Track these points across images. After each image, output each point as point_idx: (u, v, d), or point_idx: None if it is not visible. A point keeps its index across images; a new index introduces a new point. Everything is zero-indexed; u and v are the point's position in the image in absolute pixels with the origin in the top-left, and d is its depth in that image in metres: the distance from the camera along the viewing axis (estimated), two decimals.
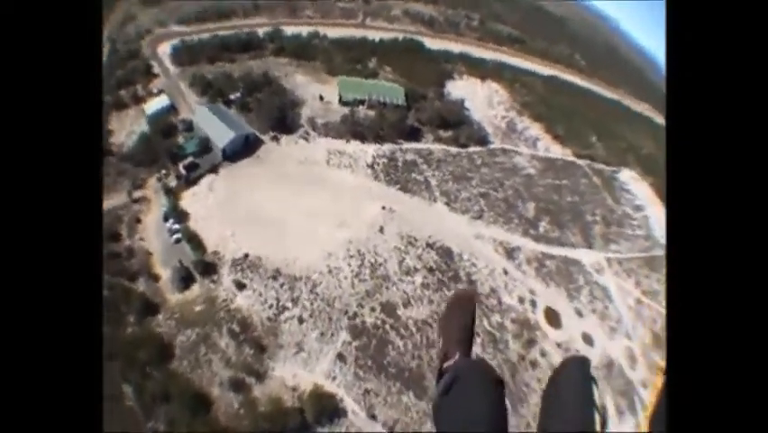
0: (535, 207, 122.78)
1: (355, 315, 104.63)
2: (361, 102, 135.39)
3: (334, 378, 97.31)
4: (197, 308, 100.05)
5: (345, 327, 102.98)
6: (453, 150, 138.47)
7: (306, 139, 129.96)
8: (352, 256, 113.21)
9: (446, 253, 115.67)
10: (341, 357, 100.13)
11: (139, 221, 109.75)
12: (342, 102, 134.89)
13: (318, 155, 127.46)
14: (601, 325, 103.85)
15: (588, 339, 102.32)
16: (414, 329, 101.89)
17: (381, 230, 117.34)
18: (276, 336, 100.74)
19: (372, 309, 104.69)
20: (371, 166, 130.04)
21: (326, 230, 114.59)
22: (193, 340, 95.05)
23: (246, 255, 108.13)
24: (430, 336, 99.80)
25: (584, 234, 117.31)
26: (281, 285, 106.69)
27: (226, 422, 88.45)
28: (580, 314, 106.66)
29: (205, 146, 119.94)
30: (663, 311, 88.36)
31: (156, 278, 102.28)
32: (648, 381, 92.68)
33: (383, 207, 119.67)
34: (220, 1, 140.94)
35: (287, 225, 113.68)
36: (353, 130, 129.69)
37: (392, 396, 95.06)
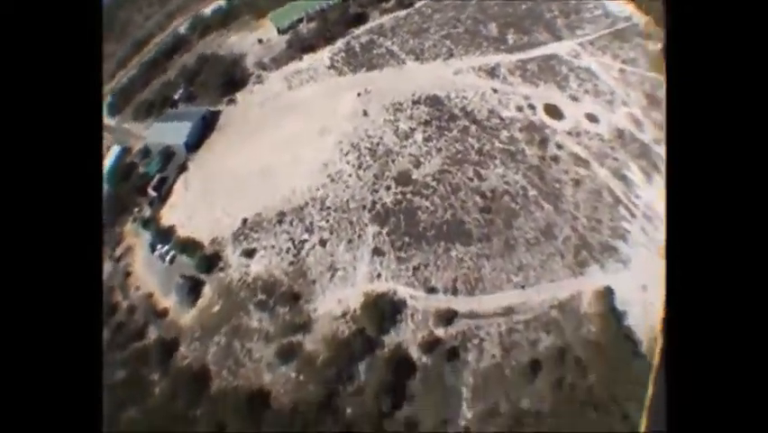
0: (497, 25, 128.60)
1: (374, 203, 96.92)
2: (300, 21, 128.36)
3: (379, 275, 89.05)
4: (216, 309, 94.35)
5: (369, 221, 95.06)
6: (402, 13, 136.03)
7: (261, 81, 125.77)
8: (347, 153, 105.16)
9: (434, 101, 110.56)
10: (377, 252, 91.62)
11: (129, 274, 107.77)
12: (282, 31, 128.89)
13: (277, 87, 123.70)
14: (598, 102, 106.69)
15: (592, 118, 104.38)
16: (434, 183, 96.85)
17: (365, 113, 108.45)
18: (305, 275, 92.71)
19: (388, 188, 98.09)
20: (332, 66, 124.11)
21: (312, 146, 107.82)
22: (224, 343, 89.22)
23: (245, 220, 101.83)
24: (452, 181, 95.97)
25: (550, 31, 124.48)
26: (290, 223, 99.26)
27: (292, 399, 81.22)
28: (575, 99, 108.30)
29: (167, 155, 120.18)
30: (647, 74, 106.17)
31: (164, 313, 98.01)
32: (658, 138, 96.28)
33: (358, 94, 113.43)
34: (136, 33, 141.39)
35: (271, 168, 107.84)
36: (302, 46, 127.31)
37: (441, 258, 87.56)
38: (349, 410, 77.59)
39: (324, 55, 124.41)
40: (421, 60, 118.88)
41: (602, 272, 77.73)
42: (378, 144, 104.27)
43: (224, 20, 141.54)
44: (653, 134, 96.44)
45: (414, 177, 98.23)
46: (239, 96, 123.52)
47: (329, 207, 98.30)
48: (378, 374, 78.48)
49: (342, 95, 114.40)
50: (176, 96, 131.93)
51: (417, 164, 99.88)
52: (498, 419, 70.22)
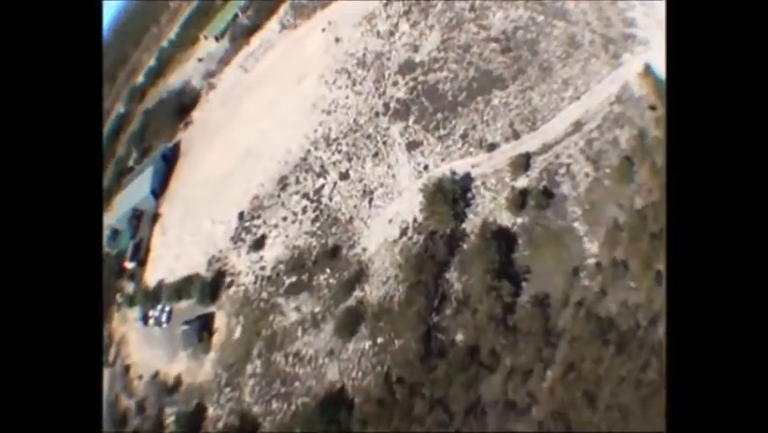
0: None
1: (386, 105, 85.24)
2: (235, 18, 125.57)
3: (426, 167, 75.86)
4: (237, 334, 77.83)
5: (389, 122, 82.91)
6: None
7: (213, 87, 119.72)
8: (334, 81, 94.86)
9: None
10: (412, 146, 78.82)
11: (128, 368, 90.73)
12: (220, 37, 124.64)
13: (232, 79, 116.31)
14: None
15: None
16: (442, 54, 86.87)
17: (337, 40, 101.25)
18: (336, 221, 77.63)
19: (395, 84, 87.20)
20: (283, 27, 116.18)
21: (292, 97, 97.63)
22: (261, 368, 72.74)
23: (241, 214, 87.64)
24: (459, 44, 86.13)
25: None
26: (296, 180, 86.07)
27: (374, 380, 63.82)
28: None
29: (136, 218, 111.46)
30: None
31: (177, 383, 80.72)
32: None
33: (323, 30, 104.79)
34: None
35: (254, 146, 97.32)
36: (247, 32, 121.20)
37: (485, 112, 76.77)
38: (460, 336, 61.63)
39: (271, 25, 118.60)
40: None
41: (634, 57, 74.67)
42: (364, 55, 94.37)
43: (159, 71, 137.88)
44: None
45: (417, 60, 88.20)
46: (194, 114, 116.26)
47: (336, 139, 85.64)
48: (476, 270, 62.67)
49: (305, 41, 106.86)
50: (130, 164, 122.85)
51: (416, 49, 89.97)
52: (622, 234, 61.15)
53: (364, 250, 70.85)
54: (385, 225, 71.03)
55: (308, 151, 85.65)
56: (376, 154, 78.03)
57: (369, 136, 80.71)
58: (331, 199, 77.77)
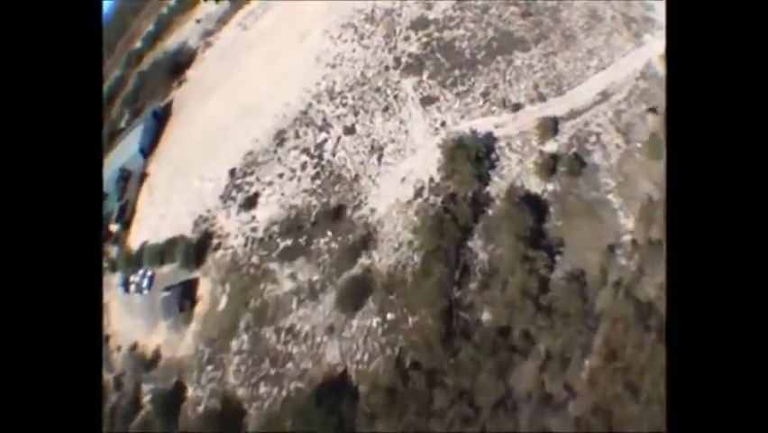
0: None
1: (397, 59, 67.35)
2: None
3: (443, 123, 58.45)
4: (222, 303, 58.57)
5: (401, 76, 64.88)
6: None
7: (210, 45, 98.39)
8: (339, 36, 75.29)
9: None
10: (427, 101, 61.25)
11: (108, 338, 69.58)
12: None
13: (230, 37, 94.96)
14: None
15: None
16: (458, 13, 69.54)
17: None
18: (340, 178, 59.53)
19: (406, 39, 69.36)
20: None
21: (293, 53, 77.54)
22: (248, 343, 53.84)
23: (232, 171, 68.41)
24: (476, 4, 68.88)
25: None
26: (296, 135, 66.94)
27: (388, 361, 46.92)
28: None
29: (124, 179, 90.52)
30: None
31: (155, 357, 60.58)
32: None
33: None
34: None
35: (250, 101, 76.91)
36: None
37: (507, 72, 60.30)
38: (487, 315, 45.28)
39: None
40: None
41: (654, 38, 64.15)
42: (373, 11, 75.73)
43: (157, 35, 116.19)
44: None
45: (431, 17, 70.35)
46: (189, 72, 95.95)
47: (340, 92, 67.06)
48: (505, 238, 47.37)
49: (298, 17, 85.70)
50: (122, 125, 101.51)
51: (429, 6, 72.07)
52: (657, 211, 48.54)
53: (372, 211, 53.33)
54: (397, 185, 53.50)
55: (309, 104, 67.14)
56: (386, 108, 60.35)
57: (378, 90, 62.85)
58: (334, 155, 59.79)
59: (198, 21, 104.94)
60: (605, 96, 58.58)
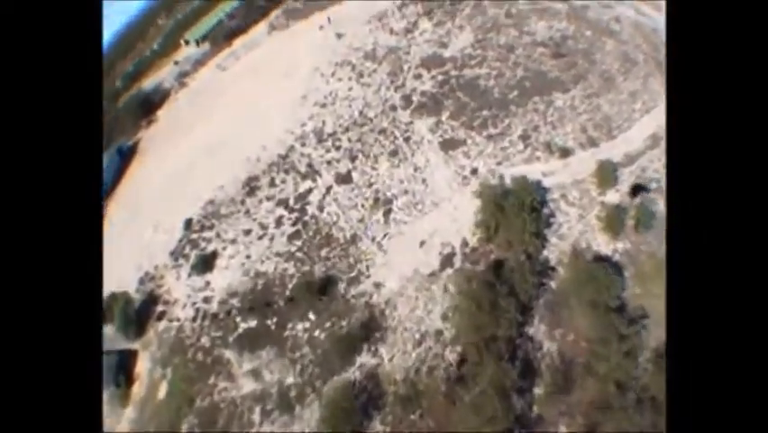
0: None
1: (407, 98, 53.97)
2: (219, 23, 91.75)
3: (474, 171, 44.97)
4: (163, 390, 41.27)
5: (412, 116, 51.48)
6: None
7: (185, 85, 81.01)
8: (333, 74, 61.56)
9: None
10: (449, 144, 47.58)
11: None
12: (200, 42, 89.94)
13: (207, 77, 78.76)
14: None
15: None
16: (479, 52, 57.80)
17: (339, 36, 68.40)
18: (329, 240, 43.99)
19: (418, 77, 56.60)
20: (273, 29, 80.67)
21: (276, 91, 63.24)
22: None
23: (188, 222, 52.14)
24: (499, 43, 57.86)
25: None
26: (270, 183, 50.93)
27: None
28: None
29: None
30: None
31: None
32: None
33: (321, 27, 71.70)
34: None
35: (220, 141, 60.68)
36: (229, 34, 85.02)
37: (548, 113, 48.38)
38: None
39: (259, 29, 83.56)
40: None
41: None
42: (374, 49, 62.59)
43: (135, 76, 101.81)
44: None
45: (447, 55, 57.71)
46: (160, 112, 78.47)
47: (332, 134, 51.91)
48: (580, 319, 33.21)
49: (298, 38, 74.03)
50: None
51: (443, 45, 59.78)
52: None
53: (378, 287, 36.78)
54: (413, 251, 37.53)
55: (291, 147, 51.60)
56: (394, 153, 45.54)
57: (382, 132, 48.29)
58: (322, 209, 43.68)
59: (176, 62, 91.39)
60: (655, 139, 48.92)
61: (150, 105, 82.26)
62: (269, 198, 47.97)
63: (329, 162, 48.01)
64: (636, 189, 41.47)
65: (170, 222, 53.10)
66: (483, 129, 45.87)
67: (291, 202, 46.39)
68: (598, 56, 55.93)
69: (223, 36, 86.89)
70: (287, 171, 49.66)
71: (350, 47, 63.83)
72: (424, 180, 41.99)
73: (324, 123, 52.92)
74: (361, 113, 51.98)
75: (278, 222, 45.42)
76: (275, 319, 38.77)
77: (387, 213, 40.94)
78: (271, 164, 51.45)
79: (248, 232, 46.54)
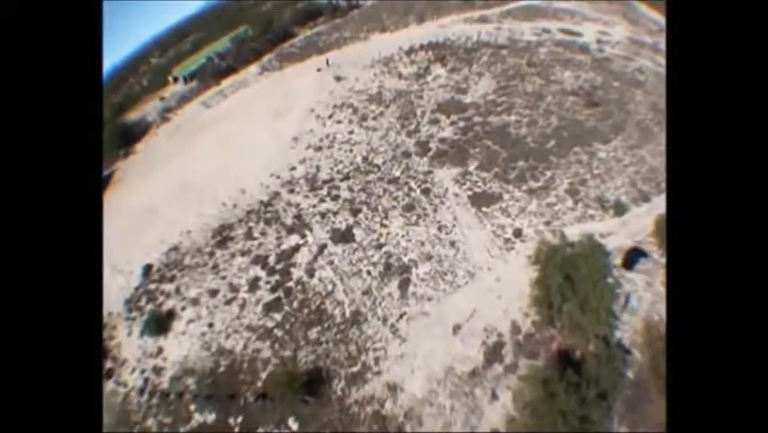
0: None
1: (423, 144, 45.10)
2: (209, 60, 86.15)
3: (518, 232, 34.34)
4: None
5: (431, 165, 42.20)
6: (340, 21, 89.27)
7: (168, 120, 72.04)
8: (330, 116, 53.37)
9: (434, 46, 64.25)
10: (480, 199, 37.57)
11: None
12: (188, 79, 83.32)
13: (190, 113, 70.58)
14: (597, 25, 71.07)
15: (605, 33, 68.41)
16: (504, 99, 50.55)
17: (338, 79, 60.31)
18: (319, 316, 31.77)
19: (434, 122, 48.12)
20: (264, 70, 73.38)
21: (261, 132, 53.91)
22: None
23: (147, 268, 39.59)
24: (526, 90, 51.36)
25: None
26: (247, 234, 39.74)
27: None
28: (578, 24, 70.81)
29: None
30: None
31: None
32: None
33: (318, 69, 64.16)
34: None
35: (194, 181, 50.57)
36: (219, 72, 78.81)
37: (592, 165, 40.49)
38: None
39: (250, 69, 75.53)
40: (390, 31, 74.62)
41: None
42: (380, 93, 54.09)
43: (121, 110, 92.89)
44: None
45: (467, 101, 49.65)
46: (139, 146, 67.90)
47: (329, 181, 41.36)
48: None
49: (291, 80, 65.35)
50: None
51: (461, 90, 51.96)
52: None
53: (392, 389, 24.50)
54: (445, 338, 25.69)
55: (276, 194, 40.82)
56: (410, 208, 35.06)
57: (393, 181, 37.97)
58: (312, 274, 32.07)
59: (162, 98, 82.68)
60: None
61: (130, 137, 73.07)
62: (243, 253, 36.44)
63: (323, 215, 37.15)
64: None
65: (129, 265, 40.58)
66: (521, 182, 36.11)
67: (272, 260, 34.82)
68: (631, 106, 50.64)
69: (211, 75, 79.35)
70: (268, 222, 38.54)
71: (351, 90, 55.30)
72: (453, 244, 31.40)
73: (318, 168, 42.73)
74: (365, 159, 41.85)
75: (253, 285, 33.50)
76: (240, 419, 26.22)
77: (403, 284, 29.65)
78: (250, 212, 40.35)
79: (214, 293, 34.34)
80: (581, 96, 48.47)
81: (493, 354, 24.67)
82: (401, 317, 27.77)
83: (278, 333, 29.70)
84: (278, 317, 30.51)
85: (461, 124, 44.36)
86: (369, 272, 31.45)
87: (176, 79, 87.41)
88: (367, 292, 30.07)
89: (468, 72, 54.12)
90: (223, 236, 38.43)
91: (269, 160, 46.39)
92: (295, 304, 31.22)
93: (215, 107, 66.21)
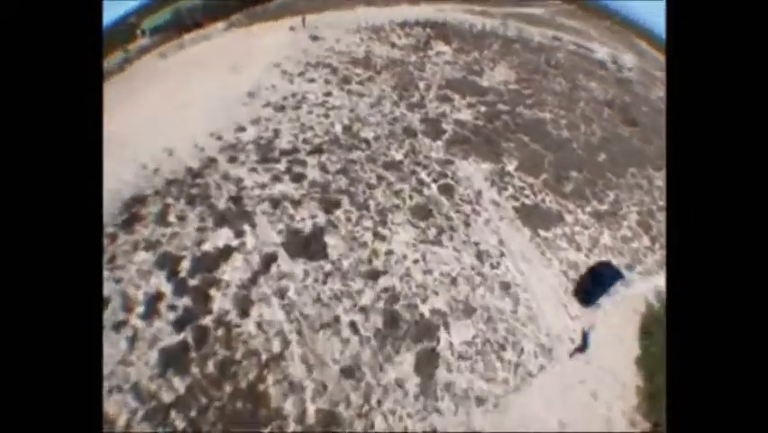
0: None
1: (432, 125, 31.71)
2: (177, 15, 69.76)
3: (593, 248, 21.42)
4: None
5: (455, 155, 27.67)
6: None
7: (122, 70, 54.54)
8: (301, 73, 38.04)
9: (432, 24, 51.61)
10: (530, 216, 23.79)
11: None
12: (151, 33, 65.81)
13: (145, 62, 53.20)
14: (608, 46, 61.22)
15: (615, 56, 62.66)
16: (528, 92, 38.01)
17: (315, 38, 46.89)
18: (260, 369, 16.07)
19: (444, 99, 35.09)
20: (231, 25, 57.65)
21: (214, 84, 37.65)
22: None
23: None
24: (555, 90, 39.81)
25: None
26: (162, 213, 22.09)
27: None
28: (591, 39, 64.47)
29: None
30: None
31: None
32: None
33: (291, 28, 49.95)
34: None
35: (119, 142, 28.84)
36: (183, 27, 62.07)
37: (651, 195, 27.87)
38: None
39: (216, 26, 57.86)
40: (378, 6, 59.17)
41: None
42: (367, 57, 40.49)
43: None
44: None
45: (485, 85, 37.63)
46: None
47: (289, 152, 26.62)
48: None
49: (259, 36, 49.91)
50: None
51: (474, 72, 39.91)
52: None
53: None
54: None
55: (211, 160, 25.79)
56: (424, 213, 21.60)
57: (393, 166, 24.45)
58: (246, 311, 17.54)
59: (126, 50, 64.57)
60: None
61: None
62: (148, 246, 21.52)
63: (276, 202, 23.19)
64: None
65: None
66: (582, 200, 24.38)
67: (184, 267, 20.59)
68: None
69: (177, 29, 63.14)
70: (191, 201, 23.78)
71: (330, 50, 41.63)
72: (507, 289, 18.82)
73: (276, 133, 28.13)
74: (347, 128, 27.68)
75: (152, 307, 19.01)
76: None
77: (424, 362, 15.95)
78: (171, 182, 25.10)
79: (107, 301, 19.33)
80: (616, 110, 38.28)
81: None
82: (426, 389, 14.54)
83: (177, 421, 15.28)
84: (178, 384, 16.13)
85: (483, 108, 31.93)
86: (353, 326, 17.93)
87: (143, 33, 71.63)
88: (351, 372, 16.47)
89: (478, 56, 42.20)
90: (131, 213, 22.92)
91: (210, 115, 31.15)
92: (209, 366, 16.85)
93: (171, 59, 49.34)
